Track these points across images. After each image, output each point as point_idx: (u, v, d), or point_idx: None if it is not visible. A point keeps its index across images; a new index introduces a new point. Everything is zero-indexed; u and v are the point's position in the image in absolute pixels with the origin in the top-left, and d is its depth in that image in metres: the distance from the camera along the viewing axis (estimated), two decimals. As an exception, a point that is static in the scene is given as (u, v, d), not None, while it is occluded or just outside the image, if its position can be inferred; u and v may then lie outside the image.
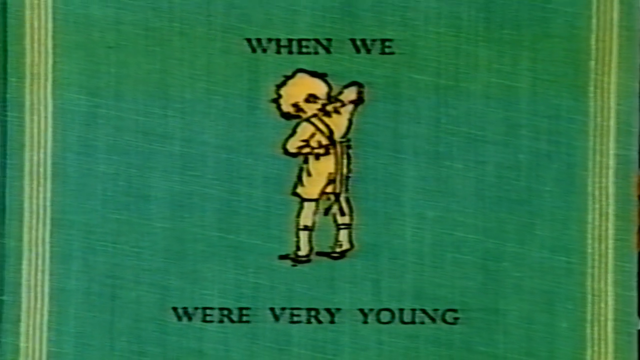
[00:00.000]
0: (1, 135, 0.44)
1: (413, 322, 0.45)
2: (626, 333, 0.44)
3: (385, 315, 0.45)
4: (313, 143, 0.43)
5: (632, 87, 0.44)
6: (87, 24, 0.44)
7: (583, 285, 0.44)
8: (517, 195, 0.44)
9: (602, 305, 0.44)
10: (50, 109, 0.44)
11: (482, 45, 0.44)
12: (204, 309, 0.44)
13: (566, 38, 0.44)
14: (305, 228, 0.44)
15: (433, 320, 0.45)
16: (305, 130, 0.43)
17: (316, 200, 0.44)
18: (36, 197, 0.44)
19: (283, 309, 0.44)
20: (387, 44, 0.43)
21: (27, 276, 0.44)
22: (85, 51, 0.44)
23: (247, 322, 0.44)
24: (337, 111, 0.43)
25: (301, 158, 0.44)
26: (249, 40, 0.44)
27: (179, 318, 0.44)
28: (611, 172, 0.44)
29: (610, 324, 0.44)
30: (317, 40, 0.44)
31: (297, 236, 0.44)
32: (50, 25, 0.44)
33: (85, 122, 0.44)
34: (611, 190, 0.44)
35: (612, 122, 0.44)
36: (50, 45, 0.44)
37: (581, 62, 0.44)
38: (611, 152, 0.44)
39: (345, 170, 0.44)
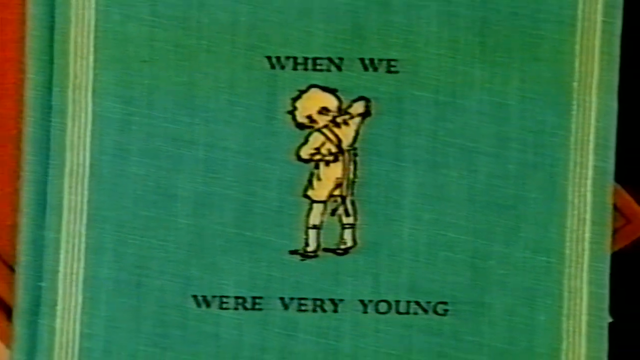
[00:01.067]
0: (45, 138, 0.47)
1: (408, 313, 0.48)
2: (598, 326, 0.47)
3: (383, 306, 0.48)
4: (323, 151, 0.46)
5: (611, 107, 0.47)
6: (124, 41, 0.47)
7: (561, 282, 0.47)
8: (504, 201, 0.47)
9: (578, 301, 0.47)
10: (89, 115, 0.47)
11: (477, 66, 0.46)
12: (221, 297, 0.47)
13: (552, 61, 0.46)
14: (314, 227, 0.47)
15: (425, 311, 0.47)
16: (316, 139, 0.46)
17: (324, 202, 0.47)
18: (74, 194, 0.46)
19: (292, 298, 0.47)
20: (392, 63, 0.46)
21: (63, 265, 0.46)
22: (121, 64, 0.46)
23: (260, 309, 0.47)
24: (345, 123, 0.46)
25: (312, 164, 0.47)
26: (268, 58, 0.46)
27: (199, 305, 0.46)
28: (589, 182, 0.47)
29: (584, 318, 0.47)
30: (329, 59, 0.46)
31: (306, 234, 0.47)
32: (91, 41, 0.47)
33: (120, 128, 0.46)
34: (589, 198, 0.47)
35: (592, 138, 0.47)
36: (91, 59, 0.46)
37: (565, 83, 0.46)
38: (590, 164, 0.47)
39: (351, 176, 0.47)
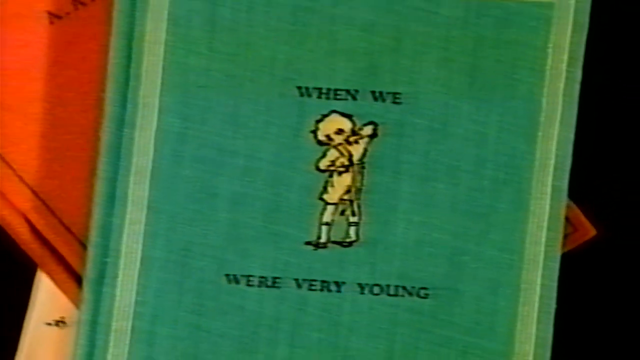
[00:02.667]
0: (117, 145, 0.52)
1: (396, 295, 0.53)
2: (547, 312, 0.52)
3: (376, 289, 0.53)
4: (337, 164, 0.52)
5: (569, 138, 0.52)
6: (185, 69, 0.52)
7: (519, 276, 0.53)
8: (479, 210, 0.52)
9: (532, 291, 0.52)
10: (153, 128, 0.52)
11: (465, 101, 0.52)
12: (248, 276, 0.52)
13: (525, 100, 0.52)
14: (326, 224, 0.52)
15: (410, 294, 0.53)
16: (332, 154, 0.52)
17: (335, 204, 0.52)
18: (137, 190, 0.52)
19: (304, 280, 0.52)
20: (397, 96, 0.52)
21: (125, 246, 0.52)
22: (182, 89, 0.52)
23: (278, 287, 0.52)
24: (356, 142, 0.52)
25: (328, 173, 0.52)
26: (299, 88, 0.52)
27: (229, 282, 0.52)
28: (548, 197, 0.53)
29: (536, 305, 0.52)
30: (347, 91, 0.52)
31: (320, 229, 0.52)
32: (159, 69, 0.52)
33: (177, 139, 0.52)
34: (546, 210, 0.53)
35: (552, 162, 0.52)
36: (158, 84, 0.52)
37: (534, 117, 0.52)
38: (549, 183, 0.53)
39: (358, 184, 0.52)
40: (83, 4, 0.53)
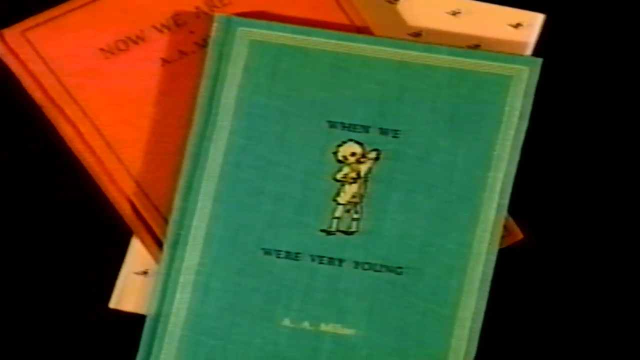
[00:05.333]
0: (197, 155, 0.60)
1: (380, 271, 0.60)
2: (484, 289, 0.59)
3: (366, 266, 0.60)
4: (349, 177, 0.60)
5: (513, 170, 0.59)
6: (251, 104, 0.60)
7: (468, 264, 0.60)
8: (446, 216, 0.60)
9: (475, 275, 0.59)
10: (224, 145, 0.60)
11: (443, 138, 0.60)
12: (277, 250, 0.60)
13: (485, 141, 0.60)
14: (337, 218, 0.60)
15: (389, 271, 0.60)
16: (346, 169, 0.60)
17: (344, 204, 0.60)
18: (207, 186, 0.60)
19: (317, 256, 0.60)
20: (396, 132, 0.61)
21: (195, 224, 0.60)
22: (247, 117, 0.60)
23: (298, 260, 0.60)
24: (364, 162, 0.61)
25: (341, 183, 0.60)
26: (329, 122, 0.60)
27: (264, 254, 0.60)
28: (494, 210, 0.60)
29: (476, 284, 0.59)
30: (362, 126, 0.60)
31: (331, 221, 0.60)
32: (233, 103, 0.60)
33: (239, 152, 0.60)
34: (492, 219, 0.60)
35: (499, 186, 0.60)
36: (231, 112, 0.60)
37: (490, 153, 0.60)
38: (495, 200, 0.60)
39: (362, 192, 0.60)
40: (185, 54, 0.62)
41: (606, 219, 0.63)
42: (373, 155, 0.61)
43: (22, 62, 0.63)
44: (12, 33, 0.63)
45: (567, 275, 0.63)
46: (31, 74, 0.63)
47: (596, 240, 0.64)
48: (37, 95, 0.63)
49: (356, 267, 0.60)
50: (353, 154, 0.61)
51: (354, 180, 0.61)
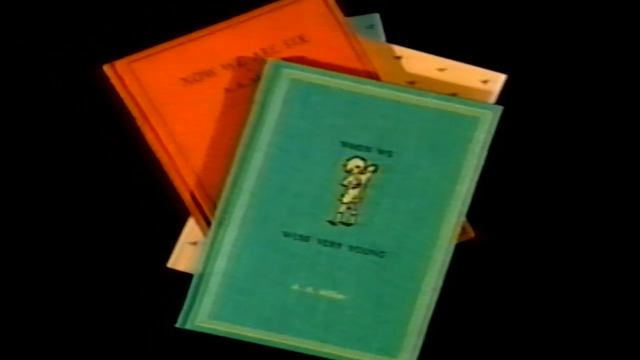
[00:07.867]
0: (242, 160, 0.70)
1: (367, 254, 0.71)
2: (441, 273, 0.71)
3: (358, 250, 0.71)
4: (352, 183, 0.72)
5: (473, 185, 0.70)
6: (285, 126, 0.71)
7: (432, 253, 0.71)
8: (421, 216, 0.71)
9: (437, 262, 0.71)
10: (262, 154, 0.72)
11: (425, 159, 0.72)
12: (294, 234, 0.71)
13: (455, 162, 0.71)
14: (340, 213, 0.72)
15: (375, 255, 0.71)
16: (351, 178, 0.72)
17: (347, 203, 0.72)
18: (247, 183, 0.72)
19: (323, 240, 0.71)
20: (390, 152, 0.72)
21: (235, 210, 0.71)
22: (281, 136, 0.71)
23: (308, 242, 0.71)
24: (365, 173, 0.72)
25: (346, 187, 0.72)
26: (342, 142, 0.72)
27: (284, 236, 0.71)
28: (456, 215, 0.72)
29: (437, 269, 0.71)
30: (366, 146, 0.72)
31: (336, 215, 0.72)
32: (273, 125, 0.71)
33: (273, 160, 0.72)
34: (454, 221, 0.71)
35: (462, 197, 0.71)
36: (270, 132, 0.71)
37: (458, 172, 0.71)
38: (458, 207, 0.72)
39: (361, 195, 0.72)
40: (242, 86, 0.74)
41: (541, 223, 0.74)
42: (372, 168, 0.73)
43: (125, 85, 0.76)
44: (121, 63, 0.77)
45: (507, 265, 0.75)
46: (130, 93, 0.76)
47: (532, 241, 0.75)
48: (133, 109, 0.76)
49: (350, 250, 0.72)
50: (357, 167, 0.73)
51: (356, 186, 0.73)
